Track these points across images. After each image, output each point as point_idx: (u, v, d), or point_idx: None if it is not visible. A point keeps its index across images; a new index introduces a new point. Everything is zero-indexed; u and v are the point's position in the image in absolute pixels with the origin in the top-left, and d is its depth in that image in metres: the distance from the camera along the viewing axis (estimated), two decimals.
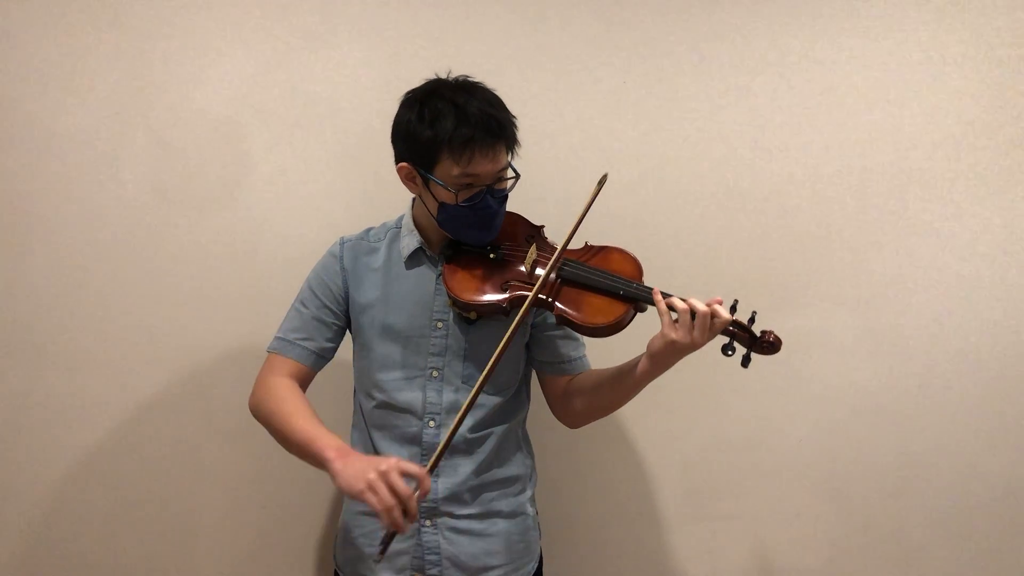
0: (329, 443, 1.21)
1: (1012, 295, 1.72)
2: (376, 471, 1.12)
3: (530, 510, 1.46)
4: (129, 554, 1.72)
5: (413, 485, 1.15)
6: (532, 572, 1.44)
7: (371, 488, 1.11)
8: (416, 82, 1.37)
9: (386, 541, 1.19)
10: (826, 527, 1.78)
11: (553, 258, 1.29)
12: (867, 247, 1.73)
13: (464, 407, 1.22)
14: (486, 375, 1.23)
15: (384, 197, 1.67)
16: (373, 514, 1.39)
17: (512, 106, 1.30)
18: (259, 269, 1.70)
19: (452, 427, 1.23)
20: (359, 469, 1.14)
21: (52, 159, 1.63)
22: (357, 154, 1.71)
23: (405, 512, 1.12)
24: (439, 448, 1.22)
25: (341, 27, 1.69)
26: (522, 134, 1.32)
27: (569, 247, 1.33)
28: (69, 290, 1.65)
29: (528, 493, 1.46)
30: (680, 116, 1.73)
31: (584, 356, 1.45)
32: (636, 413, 1.78)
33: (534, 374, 1.50)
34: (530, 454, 1.50)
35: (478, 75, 1.33)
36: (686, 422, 1.78)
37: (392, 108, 1.44)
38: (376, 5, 1.69)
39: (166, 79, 1.65)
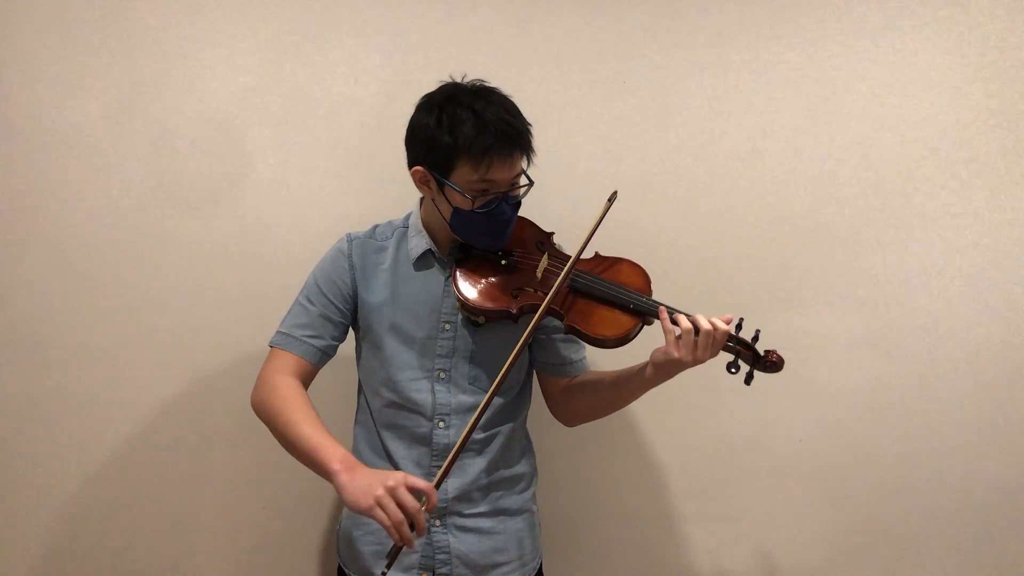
0: (334, 454, 1.20)
1: (1012, 295, 1.72)
2: (384, 487, 1.12)
3: (533, 507, 1.48)
4: (130, 554, 1.72)
5: (421, 499, 1.15)
6: (536, 569, 1.46)
7: (379, 504, 1.12)
8: (415, 83, 1.37)
9: (393, 555, 1.18)
10: (826, 527, 1.78)
11: (565, 270, 1.29)
12: (867, 247, 1.73)
13: (476, 414, 1.22)
14: (499, 382, 1.23)
15: (384, 197, 1.67)
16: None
17: None
18: (259, 269, 1.70)
19: (463, 435, 1.21)
20: (367, 484, 1.14)
21: (52, 159, 1.63)
22: (357, 154, 1.71)
23: (412, 527, 1.13)
24: (448, 460, 1.21)
25: (341, 27, 1.69)
26: None
27: (580, 257, 1.33)
28: (69, 290, 1.65)
29: (531, 491, 1.47)
30: (680, 117, 1.73)
31: (584, 359, 1.46)
32: (636, 413, 1.78)
33: (534, 374, 1.50)
34: (532, 453, 1.51)
35: (476, 76, 1.33)
36: (686, 422, 1.78)
37: (391, 108, 1.46)
38: (376, 5, 1.69)
39: (166, 79, 1.65)
